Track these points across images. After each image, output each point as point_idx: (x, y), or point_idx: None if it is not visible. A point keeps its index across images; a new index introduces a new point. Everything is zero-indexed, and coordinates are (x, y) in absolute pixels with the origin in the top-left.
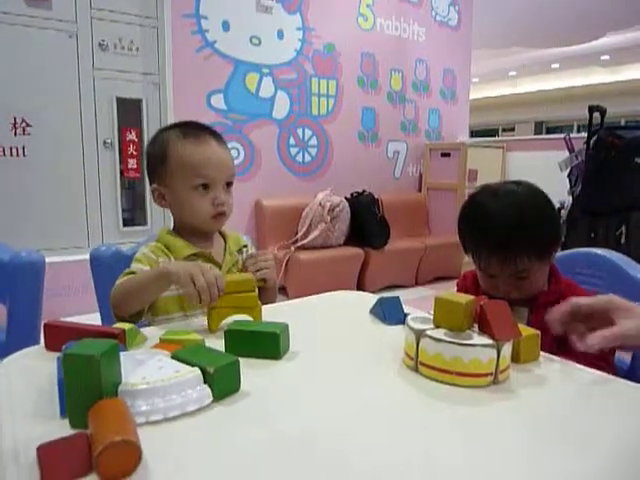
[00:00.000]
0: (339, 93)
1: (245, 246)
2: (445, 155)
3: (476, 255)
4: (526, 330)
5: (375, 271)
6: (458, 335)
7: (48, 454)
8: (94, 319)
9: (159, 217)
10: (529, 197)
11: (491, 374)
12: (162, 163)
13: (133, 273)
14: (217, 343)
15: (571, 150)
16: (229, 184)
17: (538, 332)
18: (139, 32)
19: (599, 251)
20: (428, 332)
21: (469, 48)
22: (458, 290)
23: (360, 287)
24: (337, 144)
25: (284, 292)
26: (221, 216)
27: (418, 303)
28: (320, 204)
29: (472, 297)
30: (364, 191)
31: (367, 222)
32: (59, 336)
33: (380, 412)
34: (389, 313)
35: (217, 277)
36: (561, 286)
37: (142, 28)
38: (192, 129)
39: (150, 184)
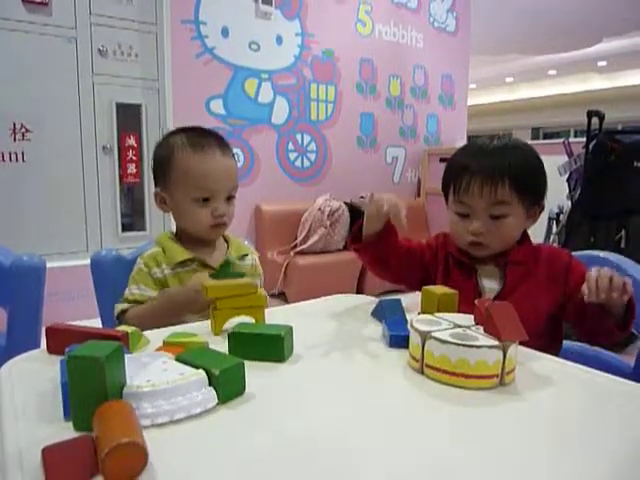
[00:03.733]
0: (338, 98)
1: (246, 255)
2: (444, 160)
3: (457, 185)
4: (442, 289)
5: (374, 276)
6: (464, 336)
7: (53, 456)
8: (94, 325)
9: (158, 222)
10: (519, 145)
11: (497, 376)
12: (166, 169)
13: (136, 300)
14: (220, 346)
15: (570, 154)
16: (231, 197)
17: (456, 292)
18: (138, 38)
19: (601, 253)
20: (434, 334)
21: (467, 54)
22: (425, 244)
23: (359, 292)
24: (336, 149)
25: (283, 297)
26: (220, 226)
27: (417, 308)
28: (319, 209)
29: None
30: (362, 197)
31: None
32: (61, 339)
33: (386, 414)
34: (390, 316)
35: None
36: (532, 246)
37: (141, 34)
38: (198, 138)
39: (154, 186)
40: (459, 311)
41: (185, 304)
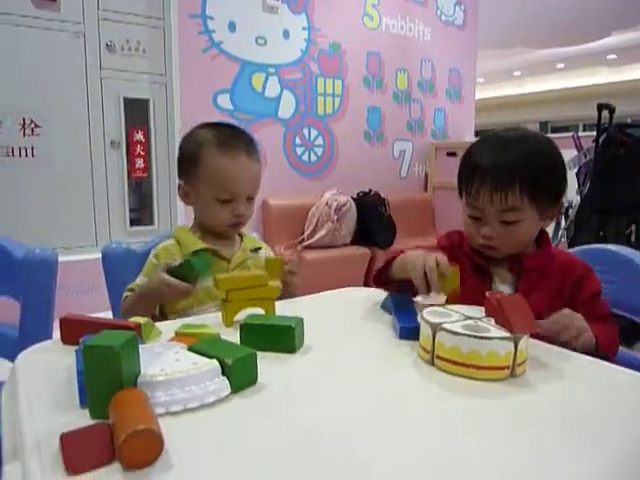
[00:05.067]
0: (345, 92)
1: (259, 248)
2: (451, 155)
3: (468, 188)
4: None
5: None
6: (475, 328)
7: (71, 442)
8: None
9: (166, 217)
10: (533, 139)
11: (508, 367)
12: (193, 165)
13: (137, 286)
14: (231, 337)
15: (579, 148)
16: (251, 198)
17: (457, 267)
18: (146, 33)
19: (612, 247)
20: (445, 325)
21: (475, 47)
22: (437, 245)
23: (367, 286)
24: (343, 144)
25: None
26: (239, 225)
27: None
28: (327, 203)
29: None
30: (370, 190)
31: (374, 222)
32: (75, 330)
33: (396, 405)
34: (399, 308)
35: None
36: (550, 251)
37: (149, 29)
38: (228, 138)
39: (178, 178)
40: None
41: (153, 294)
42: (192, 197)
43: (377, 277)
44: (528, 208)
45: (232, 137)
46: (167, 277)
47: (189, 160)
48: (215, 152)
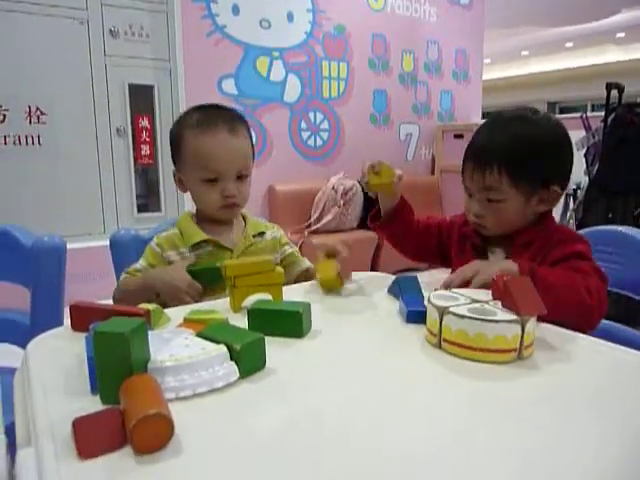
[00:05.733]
0: (350, 75)
1: (263, 232)
2: (458, 137)
3: (463, 164)
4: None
5: (389, 254)
6: (482, 311)
7: (84, 427)
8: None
9: (173, 203)
10: (535, 122)
11: (515, 350)
12: (177, 149)
13: (136, 270)
14: (239, 323)
15: (588, 129)
16: (242, 176)
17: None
18: (149, 18)
19: (622, 228)
20: (451, 309)
21: (481, 28)
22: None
23: (373, 271)
24: (349, 127)
25: None
26: (232, 207)
27: (433, 286)
28: (333, 188)
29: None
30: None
31: None
32: (85, 316)
33: (404, 389)
34: (407, 293)
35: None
36: (549, 227)
37: (152, 14)
38: (208, 116)
39: (173, 165)
40: None
41: (163, 289)
42: (185, 183)
43: (372, 219)
44: (509, 189)
45: (212, 115)
46: (192, 280)
47: (174, 144)
48: (195, 131)
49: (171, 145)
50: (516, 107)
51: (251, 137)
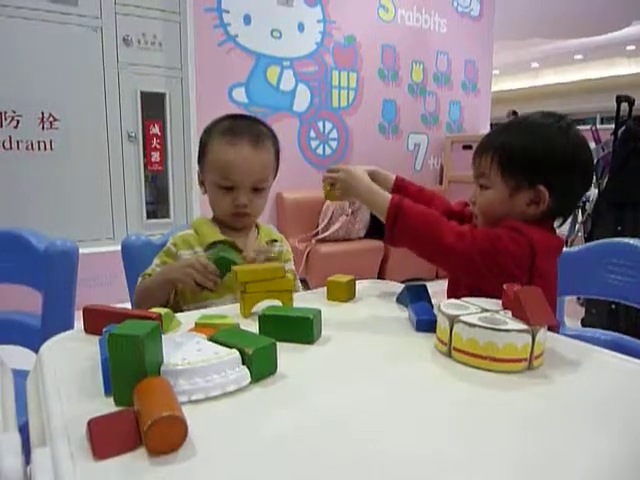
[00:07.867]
0: (360, 85)
1: (275, 240)
2: (467, 147)
3: None
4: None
5: (396, 264)
6: (492, 320)
7: (99, 428)
8: None
9: (182, 210)
10: (530, 124)
11: (525, 360)
12: (203, 153)
13: (152, 271)
14: (250, 329)
15: (597, 141)
16: (258, 189)
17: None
18: (162, 27)
19: (632, 241)
20: (462, 317)
21: (491, 39)
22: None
23: (381, 279)
24: (358, 137)
25: (305, 284)
26: (242, 216)
27: (440, 296)
28: None
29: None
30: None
31: None
32: (98, 320)
33: (414, 396)
34: (416, 301)
35: (202, 263)
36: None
37: (165, 23)
38: (235, 127)
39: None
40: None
41: (177, 273)
42: (205, 185)
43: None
44: (496, 178)
45: (240, 126)
46: (207, 261)
47: (201, 148)
48: (219, 139)
49: (199, 147)
50: (548, 113)
51: (277, 152)
